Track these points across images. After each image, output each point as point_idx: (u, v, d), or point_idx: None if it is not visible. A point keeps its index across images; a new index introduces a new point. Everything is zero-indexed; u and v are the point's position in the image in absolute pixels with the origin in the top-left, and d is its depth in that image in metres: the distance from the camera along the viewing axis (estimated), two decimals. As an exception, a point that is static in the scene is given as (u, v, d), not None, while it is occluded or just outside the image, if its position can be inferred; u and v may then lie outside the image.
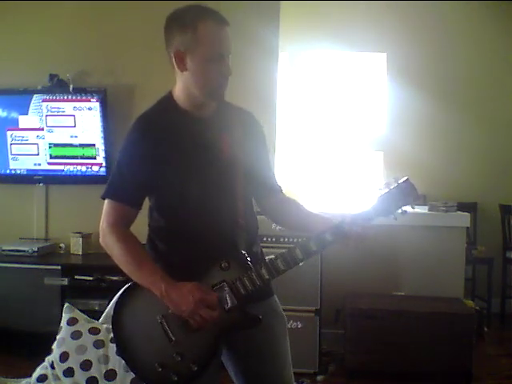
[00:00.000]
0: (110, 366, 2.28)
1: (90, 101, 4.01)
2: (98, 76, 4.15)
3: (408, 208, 1.64)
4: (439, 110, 5.16)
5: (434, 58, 5.22)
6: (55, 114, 4.05)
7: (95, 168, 4.05)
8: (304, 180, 5.11)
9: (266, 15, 4.11)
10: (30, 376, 2.38)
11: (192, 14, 1.62)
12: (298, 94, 5.17)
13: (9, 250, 3.98)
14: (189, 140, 1.68)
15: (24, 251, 3.94)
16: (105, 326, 2.39)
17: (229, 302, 1.61)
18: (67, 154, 4.07)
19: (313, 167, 5.21)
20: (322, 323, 3.59)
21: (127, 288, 1.72)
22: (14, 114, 4.09)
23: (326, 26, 5.11)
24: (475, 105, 5.24)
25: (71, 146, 4.06)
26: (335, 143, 5.28)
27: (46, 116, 4.05)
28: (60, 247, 4.16)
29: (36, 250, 3.95)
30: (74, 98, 4.02)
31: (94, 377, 2.26)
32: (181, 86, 1.69)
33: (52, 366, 2.33)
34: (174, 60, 1.64)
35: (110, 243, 1.68)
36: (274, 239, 3.50)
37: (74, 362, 2.29)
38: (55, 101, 4.04)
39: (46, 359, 2.38)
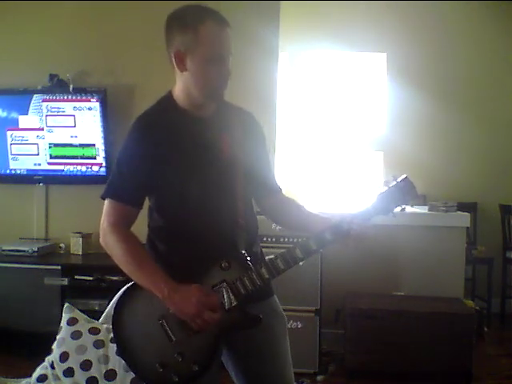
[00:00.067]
0: (110, 366, 2.28)
1: (90, 101, 4.01)
2: (98, 76, 4.15)
3: (408, 207, 1.65)
4: (439, 110, 5.16)
5: (434, 58, 5.22)
6: (55, 114, 4.05)
7: (95, 168, 4.05)
8: (304, 180, 5.11)
9: (266, 15, 4.11)
10: (30, 376, 2.38)
11: (193, 14, 1.62)
12: (297, 94, 5.17)
13: (9, 250, 3.98)
14: (189, 140, 1.68)
15: (24, 251, 3.95)
16: (105, 325, 2.39)
17: (229, 301, 1.61)
18: (67, 154, 4.07)
19: (313, 167, 5.21)
20: (322, 323, 3.59)
21: (127, 288, 1.72)
22: (13, 114, 4.09)
23: (326, 26, 5.11)
24: (475, 105, 5.24)
25: (71, 146, 4.06)
26: (335, 143, 5.28)
27: (46, 116, 4.05)
28: (60, 247, 4.16)
29: (36, 250, 3.95)
30: (74, 98, 4.02)
31: (94, 377, 2.26)
32: (180, 86, 1.69)
33: (52, 366, 2.33)
34: (173, 60, 1.64)
35: (110, 243, 1.67)
36: (273, 239, 3.51)
37: (74, 362, 2.29)
38: (55, 101, 4.04)
39: (46, 359, 2.38)
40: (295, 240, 3.43)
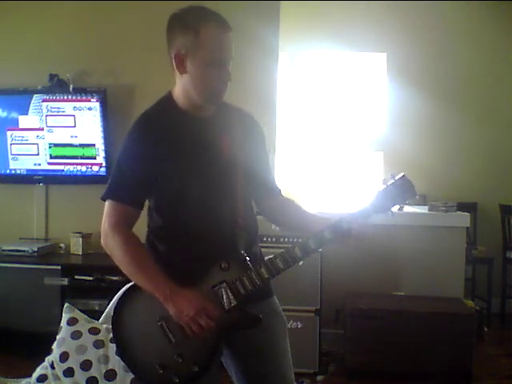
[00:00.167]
0: (110, 366, 2.28)
1: (90, 101, 4.01)
2: (98, 76, 4.15)
3: (408, 207, 1.65)
4: (439, 110, 5.16)
5: (434, 58, 5.22)
6: (55, 114, 4.05)
7: (95, 168, 4.05)
8: (304, 180, 5.11)
9: (266, 15, 4.11)
10: (30, 376, 2.38)
11: (195, 16, 1.61)
12: (298, 94, 5.17)
13: (9, 250, 3.98)
14: (189, 140, 1.68)
15: (24, 251, 3.95)
16: (105, 325, 2.39)
17: (229, 302, 1.61)
18: (67, 154, 4.07)
19: (313, 167, 5.21)
20: (322, 323, 3.59)
21: (127, 288, 1.72)
22: (14, 114, 4.09)
23: (326, 26, 5.11)
24: (475, 105, 5.24)
25: (71, 146, 4.06)
26: (335, 143, 5.28)
27: (46, 116, 4.05)
28: (60, 247, 4.16)
29: (36, 250, 3.95)
30: (74, 98, 4.02)
31: (94, 377, 2.26)
32: (180, 88, 1.69)
33: (52, 366, 2.33)
34: (173, 61, 1.64)
35: (111, 244, 1.67)
36: (273, 239, 3.51)
37: (74, 362, 2.29)
38: (55, 101, 4.04)
39: (46, 359, 2.38)
40: (295, 240, 3.43)
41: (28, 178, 4.14)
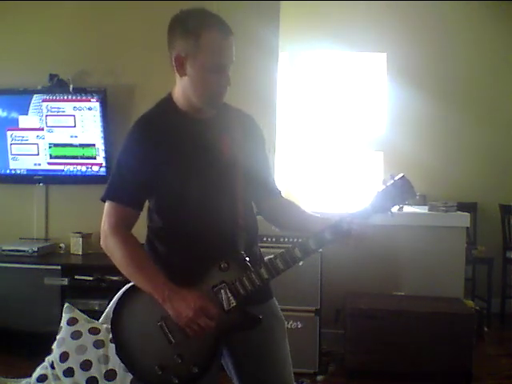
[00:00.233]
0: (110, 366, 2.28)
1: (90, 101, 4.01)
2: (98, 76, 4.15)
3: (407, 207, 1.65)
4: (439, 110, 5.16)
5: (434, 58, 5.22)
6: (55, 114, 4.05)
7: (95, 168, 4.05)
8: (304, 180, 5.11)
9: (266, 15, 4.11)
10: (30, 376, 2.38)
11: (196, 20, 1.60)
12: (298, 94, 5.17)
13: (9, 250, 3.98)
14: (188, 141, 1.68)
15: (24, 251, 3.95)
16: (105, 325, 2.39)
17: (229, 302, 1.61)
18: (67, 154, 4.07)
19: (313, 167, 5.21)
20: (322, 323, 3.59)
21: (127, 289, 1.72)
22: (14, 114, 4.09)
23: (326, 26, 5.11)
24: (475, 105, 5.24)
25: (71, 145, 4.06)
26: (335, 143, 5.28)
27: (46, 116, 4.05)
28: (60, 247, 4.16)
29: (36, 250, 3.95)
30: (74, 98, 4.02)
31: (94, 377, 2.27)
32: (180, 90, 1.69)
33: (52, 366, 2.33)
34: (174, 64, 1.64)
35: (111, 245, 1.67)
36: (273, 239, 3.51)
37: (74, 362, 2.29)
38: (55, 101, 4.04)
39: (46, 359, 2.39)
40: (295, 240, 3.43)
41: (28, 178, 4.14)
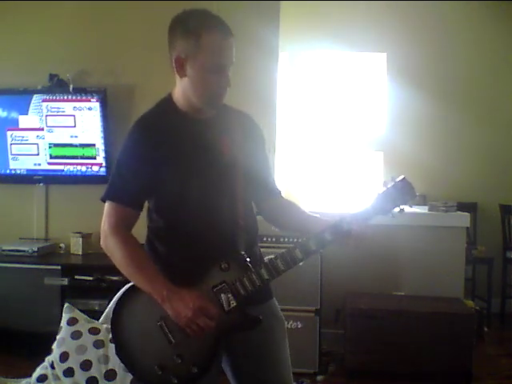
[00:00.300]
0: (110, 366, 2.28)
1: (90, 101, 4.01)
2: (98, 76, 4.15)
3: (407, 207, 1.65)
4: (439, 110, 5.16)
5: (434, 58, 5.22)
6: (55, 114, 4.05)
7: (95, 168, 4.05)
8: (304, 180, 5.11)
9: (266, 15, 4.11)
10: (30, 376, 2.38)
11: (197, 20, 1.60)
12: (298, 94, 5.17)
13: (9, 250, 3.98)
14: (188, 141, 1.68)
15: (24, 251, 3.95)
16: (105, 325, 2.39)
17: (229, 303, 1.61)
18: (67, 154, 4.07)
19: (313, 167, 5.21)
20: (322, 323, 3.59)
21: (127, 289, 1.72)
22: (13, 114, 4.10)
23: (326, 26, 5.11)
24: (475, 105, 5.24)
25: (71, 146, 4.06)
26: (335, 143, 5.28)
27: (46, 116, 4.06)
28: (60, 247, 4.16)
29: (36, 250, 3.95)
30: (74, 98, 4.02)
31: (94, 377, 2.27)
32: (180, 90, 1.69)
33: (52, 366, 2.33)
34: (174, 65, 1.64)
35: (110, 245, 1.67)
36: (273, 239, 3.50)
37: (74, 362, 2.29)
38: (55, 101, 4.04)
39: (46, 359, 2.39)
40: (295, 240, 3.43)
41: (28, 178, 4.14)
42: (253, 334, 1.66)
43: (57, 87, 4.04)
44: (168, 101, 1.72)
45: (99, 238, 1.70)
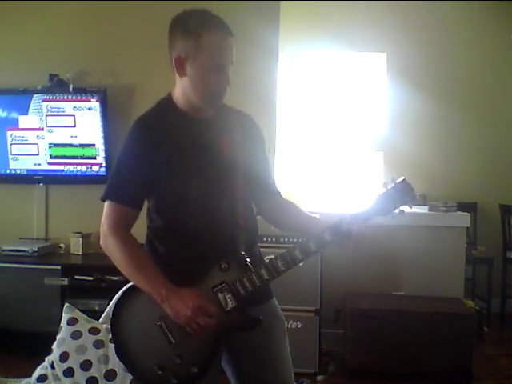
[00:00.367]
0: (110, 366, 2.28)
1: (90, 101, 4.01)
2: (98, 76, 4.15)
3: (406, 208, 1.65)
4: (439, 110, 5.16)
5: (434, 58, 5.22)
6: (55, 114, 4.05)
7: (95, 168, 4.05)
8: (304, 180, 5.11)
9: (266, 15, 4.11)
10: (30, 376, 2.38)
11: (197, 20, 1.61)
12: (298, 94, 5.17)
13: (9, 250, 3.98)
14: (188, 141, 1.68)
15: (24, 251, 3.95)
16: (105, 326, 2.39)
17: (229, 303, 1.61)
18: (67, 154, 4.07)
19: (313, 167, 5.21)
20: (322, 323, 3.59)
21: (126, 289, 1.72)
22: (14, 114, 4.09)
23: (326, 26, 5.11)
24: (475, 105, 5.24)
25: (71, 146, 4.06)
26: (335, 143, 5.28)
27: (46, 116, 4.05)
28: (60, 247, 4.16)
29: (36, 250, 3.95)
30: (74, 98, 4.02)
31: (94, 377, 2.26)
32: (180, 90, 1.69)
33: (52, 366, 2.33)
34: (174, 64, 1.64)
35: (110, 245, 1.67)
36: (273, 239, 3.50)
37: (74, 362, 2.29)
38: (55, 101, 4.04)
39: (46, 359, 2.39)
40: (295, 240, 3.43)
41: (28, 178, 4.14)
42: (253, 334, 1.66)
43: (57, 87, 4.04)
44: (168, 100, 1.72)
45: (99, 238, 1.70)
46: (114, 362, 2.25)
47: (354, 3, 5.07)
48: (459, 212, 4.14)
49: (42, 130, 4.07)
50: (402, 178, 1.62)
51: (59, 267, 3.76)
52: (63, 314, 2.47)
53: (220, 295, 1.61)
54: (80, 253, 4.06)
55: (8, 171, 4.15)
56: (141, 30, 4.08)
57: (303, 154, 5.18)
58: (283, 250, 1.63)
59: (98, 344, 2.33)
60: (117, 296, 1.78)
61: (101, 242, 1.70)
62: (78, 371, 2.28)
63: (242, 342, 1.71)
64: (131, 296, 1.69)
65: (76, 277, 3.75)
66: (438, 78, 5.21)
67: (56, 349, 2.35)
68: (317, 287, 3.56)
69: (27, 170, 4.13)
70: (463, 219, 4.05)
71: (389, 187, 1.61)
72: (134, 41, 4.12)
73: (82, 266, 3.89)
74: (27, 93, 4.06)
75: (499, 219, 4.94)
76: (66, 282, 3.72)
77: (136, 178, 1.66)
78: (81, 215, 4.13)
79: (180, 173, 1.66)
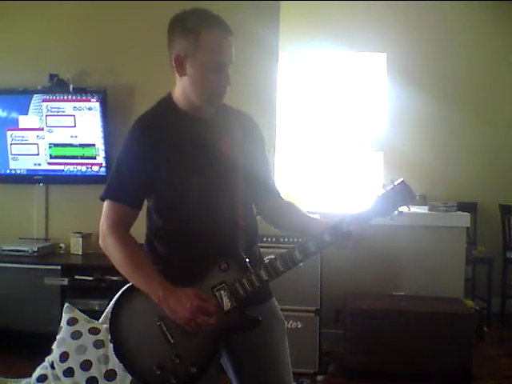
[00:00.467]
0: (110, 366, 2.28)
1: (90, 101, 4.01)
2: (98, 76, 4.15)
3: (405, 208, 1.64)
4: (439, 110, 5.17)
5: (434, 58, 5.22)
6: (55, 114, 4.05)
7: (95, 168, 4.05)
8: (304, 180, 5.11)
9: (266, 15, 4.11)
10: (30, 376, 2.39)
11: (196, 19, 1.61)
12: (298, 94, 5.17)
13: (9, 250, 3.98)
14: (188, 141, 1.68)
15: (24, 251, 3.95)
16: (105, 325, 2.39)
17: (228, 303, 1.61)
18: (67, 154, 4.07)
19: (313, 167, 5.21)
20: (322, 323, 3.59)
21: (126, 289, 1.71)
22: (14, 114, 4.10)
23: (326, 26, 5.11)
24: (475, 105, 5.24)
25: (71, 145, 4.06)
26: (335, 143, 5.28)
27: (46, 116, 4.05)
28: (60, 247, 4.16)
29: (36, 250, 3.95)
30: (74, 98, 4.02)
31: (94, 377, 2.27)
32: (180, 89, 1.69)
33: (52, 366, 2.34)
34: (173, 64, 1.64)
35: (109, 245, 1.67)
36: (273, 239, 3.50)
37: (74, 362, 2.30)
38: (55, 101, 4.04)
39: (46, 359, 2.39)
40: (295, 240, 3.43)
41: (28, 178, 4.14)
42: (252, 334, 1.66)
43: (57, 87, 4.04)
44: (168, 100, 1.72)
45: (99, 239, 1.70)
46: (114, 362, 2.26)
47: (353, 3, 5.07)
48: (459, 212, 4.14)
49: (42, 129, 4.07)
50: (400, 180, 1.62)
51: (59, 267, 3.76)
52: (63, 314, 2.47)
53: (219, 295, 1.61)
54: (80, 253, 4.06)
55: (8, 171, 4.15)
56: (141, 30, 4.08)
57: (303, 154, 5.18)
58: (283, 251, 1.63)
59: (98, 344, 2.33)
60: (116, 296, 1.78)
61: (100, 242, 1.70)
62: (77, 371, 2.28)
63: (242, 342, 1.71)
64: (130, 296, 1.69)
65: (76, 277, 3.75)
66: (438, 78, 5.21)
67: (56, 349, 2.35)
68: (317, 287, 3.56)
69: (27, 170, 4.13)
70: (463, 219, 4.05)
71: (388, 189, 1.61)
72: (133, 41, 4.12)
73: (82, 266, 3.89)
74: (27, 93, 4.06)
75: (499, 219, 4.94)
76: (65, 282, 3.72)
77: (136, 178, 1.66)
78: (81, 215, 4.13)
79: (180, 172, 1.66)
